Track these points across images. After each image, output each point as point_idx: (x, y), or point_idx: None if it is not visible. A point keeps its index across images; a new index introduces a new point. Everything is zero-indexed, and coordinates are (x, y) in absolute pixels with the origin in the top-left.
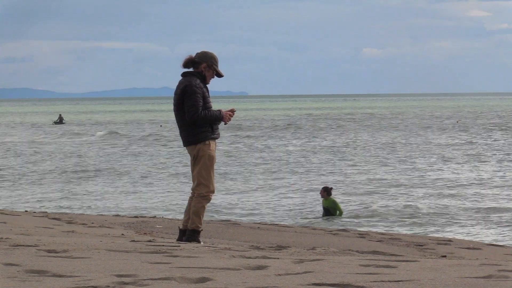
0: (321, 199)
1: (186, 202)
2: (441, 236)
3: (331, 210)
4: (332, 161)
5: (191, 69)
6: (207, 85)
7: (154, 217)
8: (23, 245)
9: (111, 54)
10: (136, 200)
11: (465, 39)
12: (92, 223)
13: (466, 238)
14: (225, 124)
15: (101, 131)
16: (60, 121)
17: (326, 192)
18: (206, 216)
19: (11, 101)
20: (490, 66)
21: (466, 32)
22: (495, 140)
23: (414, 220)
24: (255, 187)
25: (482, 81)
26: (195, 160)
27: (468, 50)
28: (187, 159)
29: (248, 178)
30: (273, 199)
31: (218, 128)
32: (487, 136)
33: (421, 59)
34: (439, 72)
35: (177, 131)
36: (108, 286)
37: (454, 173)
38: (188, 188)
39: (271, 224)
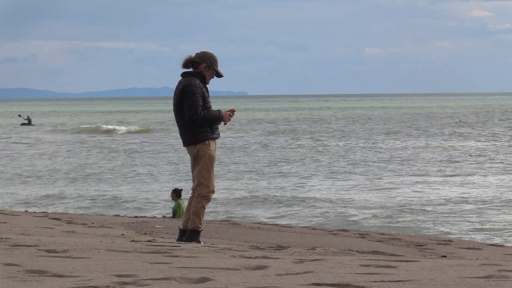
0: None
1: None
2: (441, 236)
3: (175, 213)
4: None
5: (190, 69)
6: (207, 85)
7: (154, 217)
8: (23, 245)
9: (112, 54)
10: None
11: (468, 39)
12: (92, 223)
13: (466, 238)
14: (224, 124)
15: None
16: (29, 122)
17: (175, 193)
18: (206, 216)
19: (10, 101)
20: (492, 66)
21: (468, 32)
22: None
23: (414, 220)
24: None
25: (484, 81)
26: (195, 160)
27: (471, 50)
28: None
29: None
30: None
31: (218, 128)
32: (490, 135)
33: (423, 59)
34: (441, 72)
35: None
36: (108, 286)
37: (455, 173)
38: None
39: (271, 224)
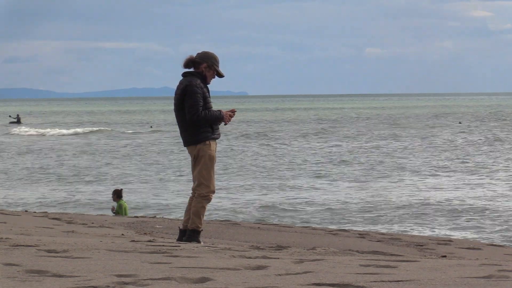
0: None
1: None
2: (441, 236)
3: (119, 215)
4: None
5: (191, 69)
6: (208, 85)
7: (154, 217)
8: (23, 245)
9: (112, 54)
10: None
11: (469, 39)
12: (92, 223)
13: (466, 238)
14: (225, 124)
15: None
16: (18, 121)
17: (116, 194)
18: (206, 216)
19: (10, 101)
20: (493, 66)
21: (469, 32)
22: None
23: (414, 220)
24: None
25: (485, 81)
26: (196, 161)
27: (472, 50)
28: None
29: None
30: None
31: (218, 129)
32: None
33: (424, 59)
34: (443, 72)
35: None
36: (108, 286)
37: (454, 173)
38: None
39: (271, 224)
